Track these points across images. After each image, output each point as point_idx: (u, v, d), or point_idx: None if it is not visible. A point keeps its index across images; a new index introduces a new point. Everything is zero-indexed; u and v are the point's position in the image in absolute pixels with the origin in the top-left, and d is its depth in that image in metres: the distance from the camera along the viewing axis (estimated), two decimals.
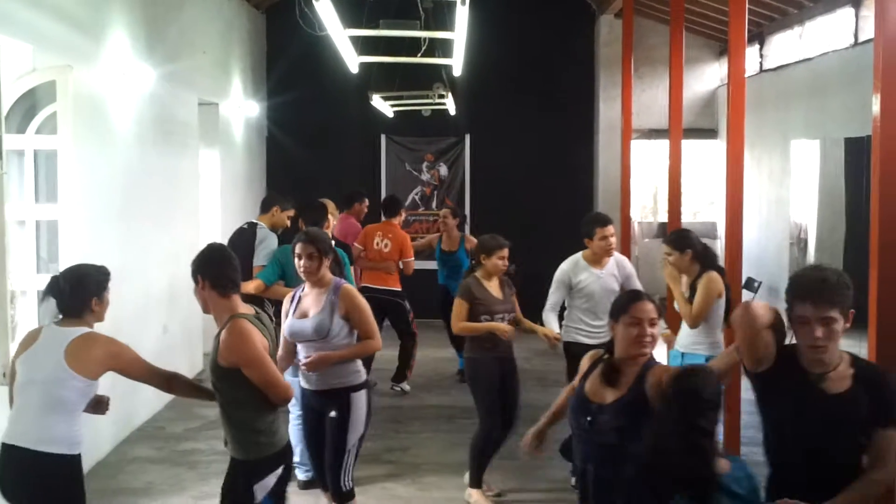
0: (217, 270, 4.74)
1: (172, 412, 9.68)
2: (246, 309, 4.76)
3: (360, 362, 6.03)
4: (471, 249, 11.30)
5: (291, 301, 6.07)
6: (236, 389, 4.61)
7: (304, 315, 5.90)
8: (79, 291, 4.82)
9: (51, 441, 4.57)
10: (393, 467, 8.15)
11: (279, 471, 4.76)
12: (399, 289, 10.69)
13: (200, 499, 7.28)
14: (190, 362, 11.05)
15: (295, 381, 6.07)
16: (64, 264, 7.52)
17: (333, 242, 8.77)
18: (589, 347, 6.96)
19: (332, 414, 5.87)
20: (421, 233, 13.06)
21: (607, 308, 7.18)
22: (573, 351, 7.37)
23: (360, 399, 5.93)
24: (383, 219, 11.01)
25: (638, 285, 7.41)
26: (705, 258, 7.10)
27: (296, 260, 5.96)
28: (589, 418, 4.26)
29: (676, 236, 7.30)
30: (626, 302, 4.41)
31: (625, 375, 4.29)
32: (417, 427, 9.49)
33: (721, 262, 7.82)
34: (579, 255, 7.72)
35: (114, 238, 8.45)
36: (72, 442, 4.66)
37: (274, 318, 7.65)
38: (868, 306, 6.03)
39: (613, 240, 7.59)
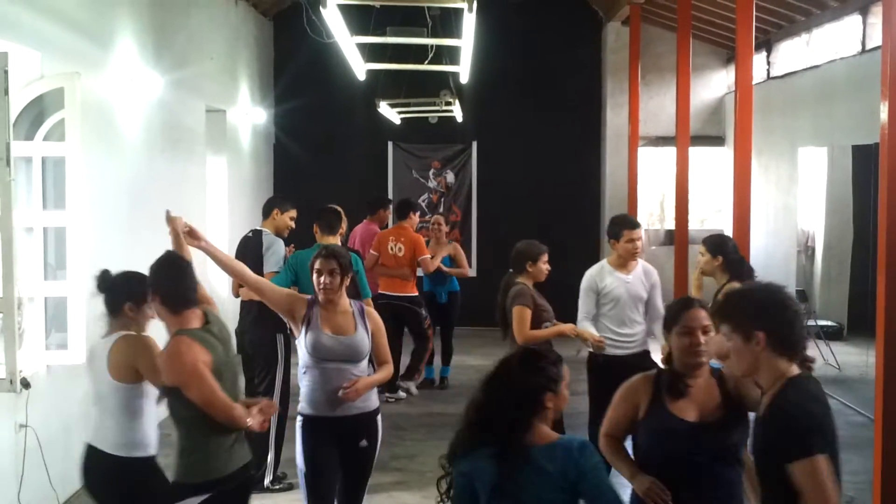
0: (171, 285, 4.52)
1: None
2: (197, 321, 4.50)
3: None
4: (454, 257, 11.30)
5: (308, 307, 5.45)
6: (180, 409, 4.39)
7: (340, 334, 5.40)
8: (114, 291, 4.89)
9: (122, 446, 4.76)
10: (400, 475, 8.14)
11: (197, 501, 4.38)
12: (416, 294, 10.65)
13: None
14: None
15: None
16: (72, 271, 7.53)
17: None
18: (616, 359, 6.88)
19: (363, 443, 5.50)
20: (425, 235, 12.98)
21: (634, 316, 7.18)
22: (599, 362, 7.13)
23: (381, 423, 5.67)
24: (395, 222, 10.98)
25: (660, 297, 7.34)
26: (737, 269, 6.91)
27: (315, 276, 5.45)
28: (694, 441, 4.00)
29: (714, 240, 7.11)
30: (677, 310, 4.22)
31: (698, 388, 4.11)
32: (424, 434, 9.48)
33: None
34: (604, 260, 7.48)
35: (121, 245, 8.45)
36: (138, 445, 4.79)
37: None
38: (876, 314, 6.02)
39: (641, 244, 7.35)
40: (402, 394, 10.73)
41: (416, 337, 10.78)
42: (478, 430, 3.65)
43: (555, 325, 6.89)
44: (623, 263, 7.30)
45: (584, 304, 7.28)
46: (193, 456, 4.39)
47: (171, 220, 5.14)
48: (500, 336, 7.07)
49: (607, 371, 6.79)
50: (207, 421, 4.32)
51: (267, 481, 7.65)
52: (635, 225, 7.40)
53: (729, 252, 6.86)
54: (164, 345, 4.45)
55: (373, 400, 5.56)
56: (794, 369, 3.45)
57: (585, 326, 7.16)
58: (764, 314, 3.43)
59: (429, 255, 10.67)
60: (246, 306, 7.84)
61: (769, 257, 13.14)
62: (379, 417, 5.61)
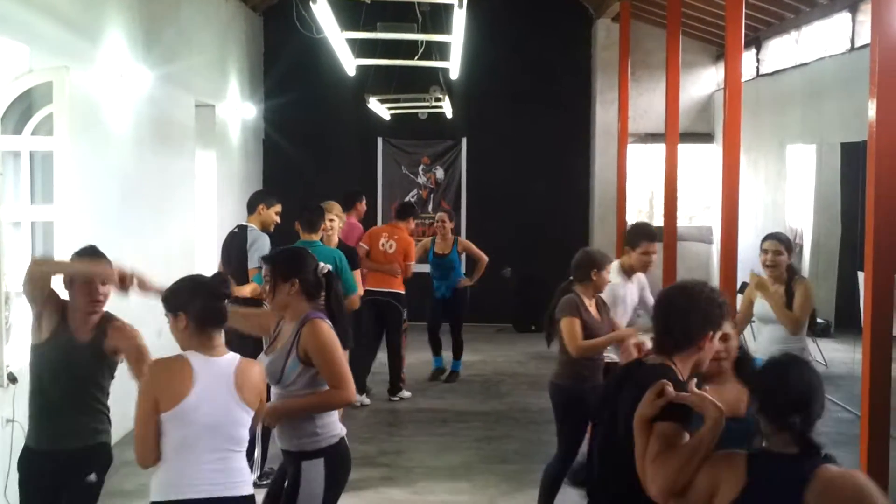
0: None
1: None
2: None
3: (325, 421, 4.71)
4: (463, 251, 11.31)
5: (276, 327, 4.91)
6: None
7: (269, 353, 4.79)
8: None
9: None
10: (387, 470, 8.14)
11: None
12: (402, 292, 10.58)
13: None
14: None
15: None
16: None
17: (337, 244, 8.78)
18: (614, 365, 6.62)
19: (286, 481, 4.74)
20: (417, 236, 13.03)
21: (633, 320, 7.13)
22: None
23: (312, 470, 4.62)
24: (390, 221, 10.93)
25: (650, 297, 7.27)
26: (793, 271, 6.92)
27: None
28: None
29: (787, 238, 7.09)
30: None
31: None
32: (411, 430, 9.49)
33: (715, 266, 7.78)
34: (617, 262, 7.20)
35: (109, 239, 8.39)
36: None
37: None
38: (863, 311, 6.04)
39: (655, 258, 7.19)
40: (406, 392, 10.69)
41: (389, 343, 10.61)
42: None
43: (617, 332, 6.50)
44: (632, 271, 7.21)
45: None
46: None
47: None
48: (547, 342, 6.76)
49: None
50: None
51: (254, 477, 7.64)
52: (655, 237, 7.21)
53: (792, 250, 6.85)
54: None
55: (300, 439, 4.66)
56: None
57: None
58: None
59: (412, 263, 10.65)
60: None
61: (757, 254, 13.14)
62: (310, 465, 4.63)
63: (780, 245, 6.78)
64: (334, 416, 4.79)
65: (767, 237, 6.97)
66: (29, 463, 4.94)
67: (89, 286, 4.86)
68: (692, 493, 3.23)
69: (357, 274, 8.72)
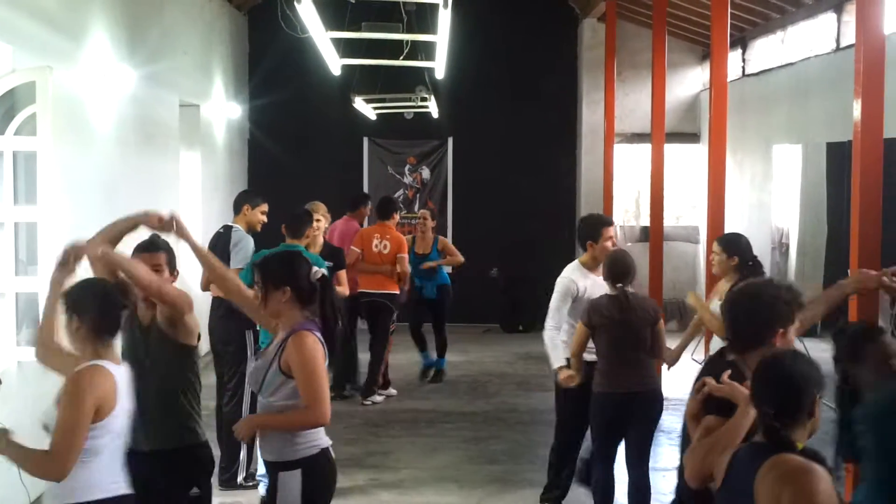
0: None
1: None
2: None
3: (307, 435, 4.52)
4: (443, 250, 11.27)
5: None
6: None
7: (261, 356, 4.71)
8: None
9: None
10: (374, 472, 8.12)
11: None
12: (396, 293, 10.54)
13: None
14: None
15: None
16: (43, 267, 7.47)
17: (322, 246, 8.75)
18: (591, 364, 6.60)
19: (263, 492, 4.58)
20: (403, 232, 12.96)
21: None
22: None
23: (289, 483, 4.44)
24: (376, 221, 10.89)
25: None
26: (749, 271, 6.83)
27: None
28: None
29: (729, 238, 7.03)
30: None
31: None
32: (398, 431, 9.47)
33: (702, 266, 7.74)
34: (576, 262, 7.02)
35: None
36: None
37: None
38: (848, 309, 6.05)
39: (611, 242, 7.01)
40: (377, 397, 10.60)
41: (375, 339, 10.57)
42: None
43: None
44: (597, 265, 6.88)
45: (557, 312, 6.83)
46: None
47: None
48: (613, 349, 6.37)
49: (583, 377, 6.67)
50: None
51: (240, 478, 7.62)
52: (610, 222, 7.18)
53: (744, 253, 6.62)
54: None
55: (280, 449, 4.50)
56: None
57: (553, 338, 6.79)
58: None
59: (405, 255, 10.60)
60: (216, 302, 7.79)
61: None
62: (286, 476, 4.46)
63: (718, 247, 6.72)
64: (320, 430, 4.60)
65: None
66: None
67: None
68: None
69: (342, 274, 8.69)
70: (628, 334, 6.30)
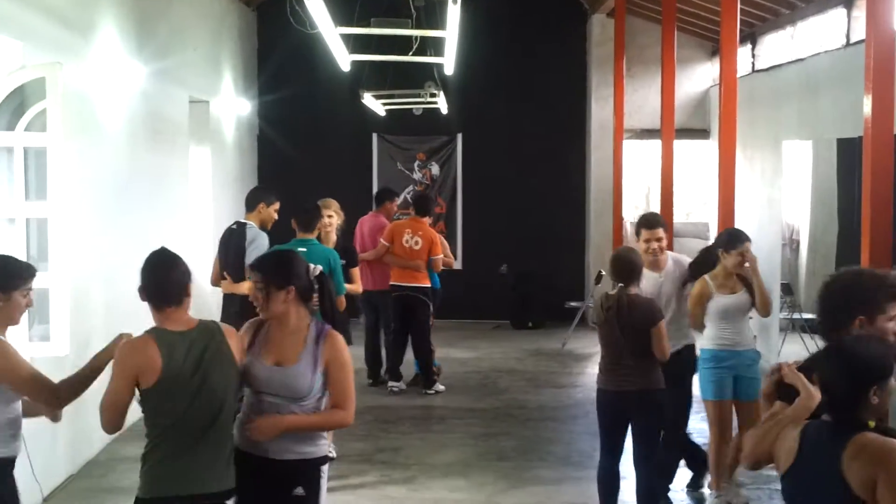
0: (153, 280, 4.47)
1: None
2: (179, 324, 4.31)
3: (323, 434, 4.69)
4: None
5: (255, 333, 4.60)
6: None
7: (279, 362, 4.45)
8: None
9: None
10: (385, 468, 8.12)
11: None
12: (428, 286, 10.57)
13: None
14: None
15: None
16: (54, 262, 7.49)
17: (335, 241, 8.74)
18: None
19: (299, 491, 4.47)
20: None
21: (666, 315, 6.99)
22: None
23: (324, 475, 4.60)
24: (410, 216, 10.88)
25: None
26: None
27: None
28: None
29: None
30: None
31: None
32: (408, 427, 9.47)
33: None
34: None
35: (103, 236, 8.40)
36: None
37: None
38: None
39: (660, 246, 6.95)
40: (440, 386, 10.73)
41: (416, 334, 10.64)
42: None
43: None
44: (649, 262, 6.88)
45: None
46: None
47: None
48: (611, 348, 6.36)
49: None
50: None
51: None
52: (652, 224, 7.03)
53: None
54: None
55: (317, 445, 4.55)
56: None
57: None
58: None
59: (441, 256, 10.60)
60: (228, 298, 7.80)
61: (754, 250, 13.12)
62: (325, 468, 4.59)
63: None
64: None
65: None
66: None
67: None
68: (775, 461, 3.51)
69: (355, 272, 8.67)
70: (622, 336, 6.24)
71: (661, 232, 6.98)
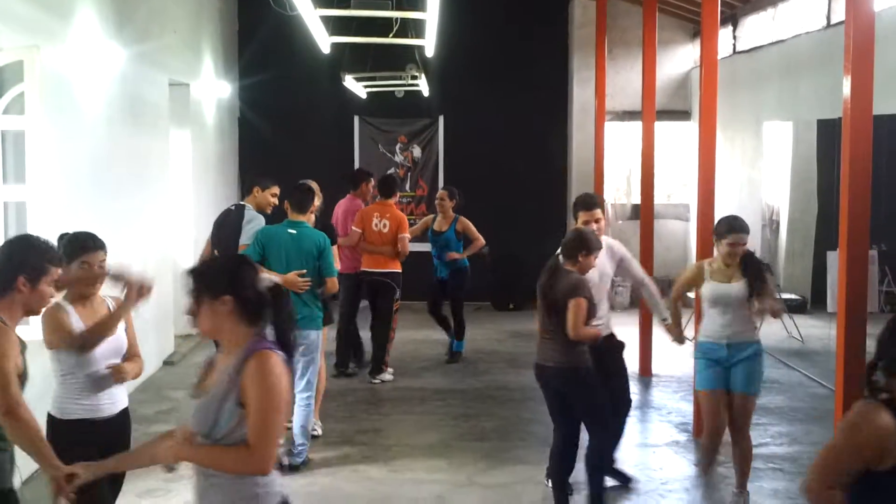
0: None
1: (144, 395, 9.63)
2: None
3: (267, 479, 3.57)
4: (462, 231, 11.23)
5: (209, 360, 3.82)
6: None
7: (204, 390, 3.66)
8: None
9: None
10: (365, 449, 8.14)
11: None
12: (398, 271, 10.50)
13: (171, 481, 7.22)
14: (160, 346, 11.01)
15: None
16: None
17: (314, 223, 8.72)
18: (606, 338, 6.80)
19: None
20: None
21: (601, 298, 6.87)
22: None
23: None
24: (378, 199, 10.85)
25: (635, 265, 7.24)
26: None
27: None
28: None
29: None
30: None
31: None
32: (389, 409, 9.49)
33: (692, 243, 7.74)
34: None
35: (83, 219, 8.35)
36: None
37: None
38: (837, 288, 6.07)
39: (595, 226, 6.87)
40: (387, 375, 10.60)
41: (378, 318, 10.60)
42: None
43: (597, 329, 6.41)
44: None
45: None
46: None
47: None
48: (539, 319, 6.44)
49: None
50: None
51: None
52: (589, 206, 7.02)
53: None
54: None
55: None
56: None
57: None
58: None
59: (408, 235, 10.57)
60: None
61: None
62: None
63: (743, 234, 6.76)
64: (275, 472, 3.64)
65: None
66: None
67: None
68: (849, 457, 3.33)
69: (334, 250, 8.65)
70: (544, 308, 6.32)
71: (598, 213, 6.96)
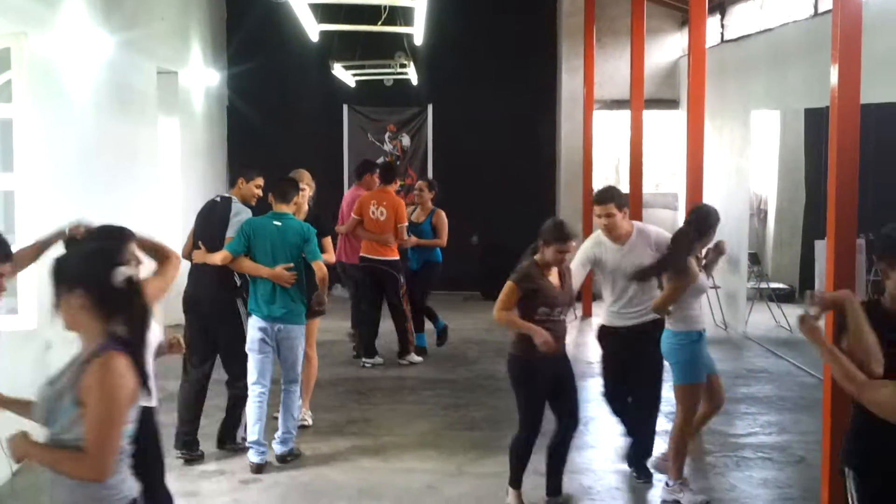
0: None
1: None
2: None
3: (114, 480, 3.43)
4: (436, 224, 11.22)
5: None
6: None
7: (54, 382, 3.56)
8: None
9: None
10: (355, 439, 8.14)
11: None
12: (397, 259, 10.57)
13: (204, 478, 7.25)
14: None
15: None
16: (20, 235, 7.43)
17: (307, 212, 8.70)
18: (623, 329, 6.98)
19: None
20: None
21: (635, 286, 6.85)
22: (608, 332, 7.18)
23: None
24: (377, 186, 10.84)
25: None
26: None
27: None
28: None
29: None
30: None
31: None
32: (380, 398, 9.49)
33: None
34: (597, 232, 7.12)
35: (71, 208, 8.31)
36: None
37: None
38: (825, 277, 6.10)
39: (607, 220, 6.87)
40: (415, 357, 10.84)
41: (391, 307, 10.75)
42: None
43: (535, 328, 6.38)
44: (610, 236, 6.97)
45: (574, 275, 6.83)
46: None
47: None
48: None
49: (615, 339, 7.08)
50: None
51: (240, 437, 7.66)
52: (600, 200, 6.94)
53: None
54: None
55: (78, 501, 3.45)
56: None
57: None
58: None
59: (405, 224, 10.58)
60: (199, 269, 7.73)
61: (722, 221, 13.18)
62: None
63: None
64: (125, 474, 3.53)
65: None
66: None
67: None
68: None
69: (327, 241, 8.59)
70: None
71: (611, 207, 6.87)
